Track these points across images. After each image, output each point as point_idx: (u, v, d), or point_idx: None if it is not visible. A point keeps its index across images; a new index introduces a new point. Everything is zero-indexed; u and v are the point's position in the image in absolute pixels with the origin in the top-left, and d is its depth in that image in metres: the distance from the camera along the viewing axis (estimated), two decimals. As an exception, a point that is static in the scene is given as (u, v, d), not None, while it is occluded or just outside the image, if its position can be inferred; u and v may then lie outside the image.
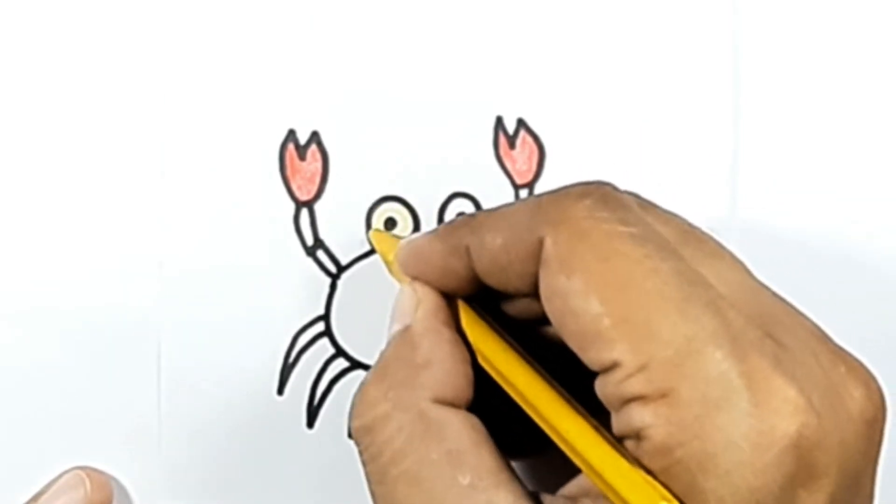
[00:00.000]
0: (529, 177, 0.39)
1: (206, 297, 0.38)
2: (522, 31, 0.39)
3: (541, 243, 0.31)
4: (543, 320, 0.33)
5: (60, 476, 0.38)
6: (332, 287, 0.39)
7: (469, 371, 0.33)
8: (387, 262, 0.37)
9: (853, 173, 0.40)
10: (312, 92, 0.39)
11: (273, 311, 0.39)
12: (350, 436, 0.33)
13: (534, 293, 0.32)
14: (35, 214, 0.38)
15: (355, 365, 0.39)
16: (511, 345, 0.33)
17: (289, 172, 0.39)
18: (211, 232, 0.38)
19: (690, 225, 0.32)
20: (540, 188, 0.39)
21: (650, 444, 0.29)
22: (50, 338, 0.38)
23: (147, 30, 0.38)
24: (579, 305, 0.30)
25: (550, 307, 0.31)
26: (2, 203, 0.38)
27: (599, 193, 0.31)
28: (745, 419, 0.28)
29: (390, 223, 0.39)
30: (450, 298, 0.34)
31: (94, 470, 0.38)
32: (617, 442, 0.30)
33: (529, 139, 0.39)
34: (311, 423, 0.39)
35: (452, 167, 0.39)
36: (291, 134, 0.39)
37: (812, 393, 0.28)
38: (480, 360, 0.33)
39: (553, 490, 0.32)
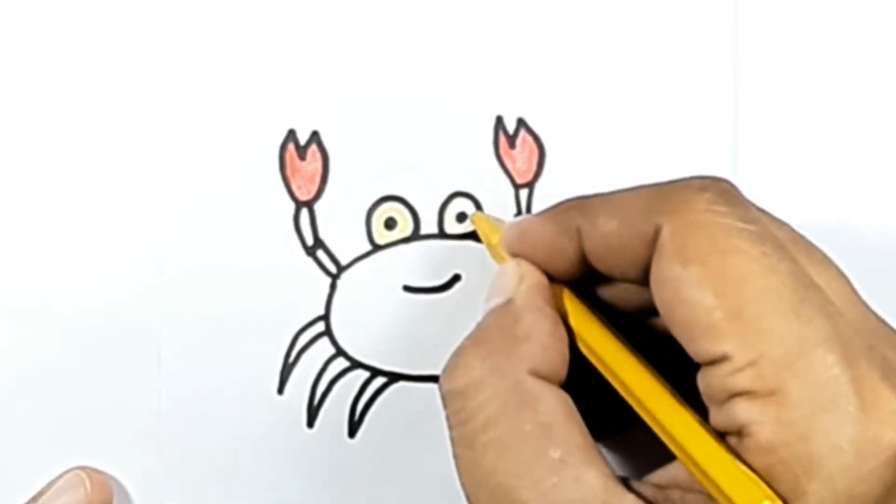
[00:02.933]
0: (529, 176, 0.39)
1: (206, 298, 0.38)
2: (522, 31, 0.39)
3: (657, 231, 0.31)
4: (641, 309, 0.33)
5: (60, 476, 0.38)
6: (332, 287, 0.39)
7: (566, 351, 0.33)
8: (490, 246, 0.37)
9: (853, 173, 0.40)
10: (312, 92, 0.39)
11: (273, 311, 0.39)
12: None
13: (640, 280, 0.32)
14: (35, 214, 0.38)
15: (355, 365, 0.39)
16: (612, 331, 0.33)
17: (289, 172, 0.39)
18: (211, 232, 0.39)
19: (799, 233, 0.32)
20: (540, 188, 0.39)
21: (754, 441, 0.29)
22: (50, 337, 0.38)
23: (147, 30, 0.38)
24: (692, 296, 0.30)
25: (661, 295, 0.31)
26: (2, 203, 0.38)
27: (719, 188, 0.31)
28: (853, 425, 0.28)
29: (390, 223, 0.39)
30: (551, 281, 0.34)
31: (94, 470, 0.38)
32: (718, 436, 0.30)
33: (529, 139, 0.39)
34: (311, 423, 0.39)
35: (452, 167, 0.39)
36: (291, 134, 0.39)
37: None
38: (580, 344, 0.33)
39: (639, 477, 0.32)
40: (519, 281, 0.34)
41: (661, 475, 0.32)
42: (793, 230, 0.32)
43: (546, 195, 0.39)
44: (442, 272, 0.39)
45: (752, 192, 0.39)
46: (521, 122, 0.39)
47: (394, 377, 0.39)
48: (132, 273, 0.38)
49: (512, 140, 0.39)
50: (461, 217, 0.39)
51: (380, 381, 0.39)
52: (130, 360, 0.38)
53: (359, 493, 0.39)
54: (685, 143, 0.40)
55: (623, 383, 0.32)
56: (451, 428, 0.32)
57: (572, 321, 0.34)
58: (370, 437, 0.39)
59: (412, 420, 0.39)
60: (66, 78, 0.38)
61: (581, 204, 0.33)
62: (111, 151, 0.38)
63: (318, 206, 0.39)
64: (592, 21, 0.39)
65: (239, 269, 0.39)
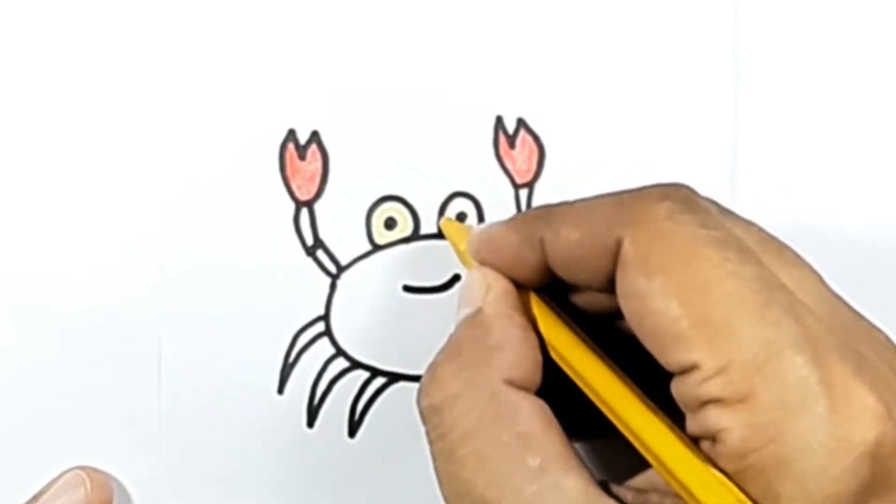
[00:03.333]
0: (529, 176, 0.39)
1: (206, 298, 0.38)
2: (522, 31, 0.39)
3: (619, 243, 0.31)
4: (610, 313, 0.33)
5: (60, 476, 0.38)
6: (332, 287, 0.39)
7: (539, 356, 0.33)
8: (458, 252, 0.37)
9: (853, 173, 0.40)
10: (312, 92, 0.39)
11: (273, 311, 0.39)
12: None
13: (604, 289, 0.32)
14: (35, 214, 0.38)
15: (355, 365, 0.39)
16: (581, 337, 0.33)
17: (289, 172, 0.39)
18: (211, 232, 0.39)
19: (768, 234, 0.32)
20: (540, 188, 0.39)
21: (726, 447, 0.29)
22: (50, 337, 0.38)
23: (147, 30, 0.38)
24: (658, 307, 0.30)
25: (628, 307, 0.31)
26: (2, 203, 0.38)
27: (680, 196, 0.31)
28: (823, 425, 0.28)
29: (390, 223, 0.39)
30: (519, 287, 0.34)
31: (94, 470, 0.38)
32: (691, 441, 0.30)
33: (529, 139, 0.39)
34: (311, 423, 0.39)
35: (452, 167, 0.39)
36: (291, 134, 0.39)
37: (891, 402, 0.28)
38: (550, 351, 0.33)
39: (619, 481, 0.32)
40: (486, 290, 0.34)
41: (640, 479, 0.32)
42: (761, 230, 0.32)
43: (546, 195, 0.39)
44: (442, 272, 0.39)
45: (752, 192, 0.40)
46: (521, 122, 0.39)
47: (394, 377, 0.39)
48: (132, 273, 0.38)
49: (512, 140, 0.39)
50: (461, 217, 0.39)
51: (380, 381, 0.39)
52: (130, 360, 0.38)
53: (359, 493, 0.39)
54: (685, 143, 0.40)
55: (593, 390, 0.32)
56: (430, 443, 0.32)
57: (541, 327, 0.34)
58: (370, 437, 0.39)
59: (412, 420, 0.39)
60: (66, 78, 0.38)
61: (545, 213, 0.33)
62: (111, 152, 0.38)
63: (318, 206, 0.39)
64: (592, 21, 0.39)
65: (239, 269, 0.39)
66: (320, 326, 0.39)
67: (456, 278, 0.39)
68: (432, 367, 0.33)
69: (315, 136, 0.39)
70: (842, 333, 0.30)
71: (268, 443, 0.39)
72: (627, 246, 0.30)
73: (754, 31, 0.40)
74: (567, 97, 0.39)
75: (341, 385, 0.39)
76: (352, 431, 0.39)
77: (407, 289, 0.39)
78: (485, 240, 0.35)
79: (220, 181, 0.39)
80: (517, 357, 0.32)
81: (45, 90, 0.38)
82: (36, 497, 0.38)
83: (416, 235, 0.39)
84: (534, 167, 0.40)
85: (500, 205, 0.39)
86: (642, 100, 0.40)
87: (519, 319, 0.33)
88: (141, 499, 0.39)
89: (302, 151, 0.39)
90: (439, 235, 0.39)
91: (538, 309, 0.34)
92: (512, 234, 0.34)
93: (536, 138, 0.40)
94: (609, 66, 0.39)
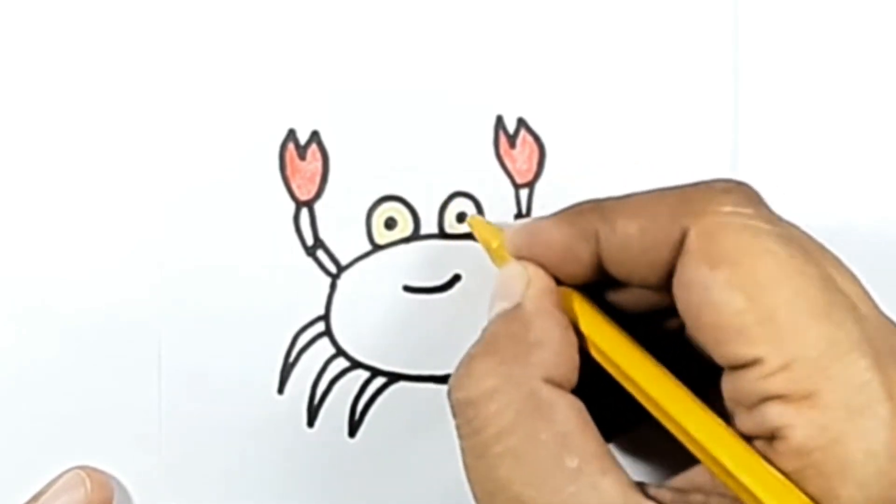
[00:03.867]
0: (529, 176, 0.39)
1: (206, 298, 0.38)
2: (522, 31, 0.39)
3: (682, 234, 0.30)
4: (650, 312, 0.33)
5: (60, 476, 0.38)
6: (332, 287, 0.39)
7: (577, 356, 0.32)
8: (489, 249, 0.36)
9: (853, 173, 0.40)
10: (312, 92, 0.39)
11: (273, 311, 0.39)
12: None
13: (657, 285, 0.32)
14: (35, 214, 0.38)
15: (355, 365, 0.39)
16: (626, 335, 0.33)
17: (289, 172, 0.39)
18: (211, 232, 0.39)
19: (810, 236, 0.32)
20: (540, 188, 0.39)
21: (787, 444, 0.29)
22: (50, 338, 0.38)
23: (147, 30, 0.38)
24: (722, 298, 0.29)
25: (687, 298, 0.30)
26: (2, 203, 0.38)
27: (743, 191, 0.31)
28: (886, 429, 0.28)
29: (390, 223, 0.39)
30: (557, 284, 0.34)
31: (94, 470, 0.38)
32: (746, 441, 0.30)
33: (530, 139, 0.39)
34: (311, 423, 0.39)
35: (452, 167, 0.39)
36: (291, 134, 0.39)
37: None
38: (592, 350, 0.33)
39: (655, 480, 0.32)
40: (527, 285, 0.33)
41: (682, 479, 0.32)
42: (804, 232, 0.32)
43: (546, 195, 0.39)
44: (442, 272, 0.39)
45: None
46: (521, 122, 0.39)
47: (394, 377, 0.39)
48: (132, 273, 0.38)
49: (512, 140, 0.39)
50: (461, 217, 0.39)
51: (380, 381, 0.39)
52: (130, 360, 0.38)
53: (359, 493, 0.39)
54: (685, 143, 0.40)
55: (642, 389, 0.32)
56: (461, 438, 0.32)
57: (584, 326, 0.33)
58: (370, 437, 0.39)
59: (412, 420, 0.39)
60: (66, 78, 0.38)
61: (598, 207, 0.33)
62: (111, 152, 0.38)
63: (318, 206, 0.39)
64: (592, 21, 0.39)
65: (239, 269, 0.39)
66: (320, 326, 0.39)
67: (456, 278, 0.39)
68: (467, 361, 0.32)
69: (315, 136, 0.39)
70: (891, 339, 0.30)
71: (268, 443, 0.39)
72: (692, 235, 0.30)
73: (754, 31, 0.40)
74: (567, 97, 0.39)
75: (341, 385, 0.39)
76: (352, 431, 0.39)
77: (407, 289, 0.39)
78: (528, 234, 0.34)
79: (220, 181, 0.39)
80: (556, 355, 0.32)
81: (45, 91, 0.38)
82: (36, 497, 0.38)
83: (416, 235, 0.39)
84: (534, 167, 0.40)
85: (501, 205, 0.39)
86: (642, 100, 0.40)
87: (560, 317, 0.33)
88: (141, 499, 0.39)
89: (302, 151, 0.39)
90: (439, 235, 0.39)
91: (579, 307, 0.33)
92: (562, 229, 0.34)
93: (537, 138, 0.40)
94: (609, 65, 0.39)
